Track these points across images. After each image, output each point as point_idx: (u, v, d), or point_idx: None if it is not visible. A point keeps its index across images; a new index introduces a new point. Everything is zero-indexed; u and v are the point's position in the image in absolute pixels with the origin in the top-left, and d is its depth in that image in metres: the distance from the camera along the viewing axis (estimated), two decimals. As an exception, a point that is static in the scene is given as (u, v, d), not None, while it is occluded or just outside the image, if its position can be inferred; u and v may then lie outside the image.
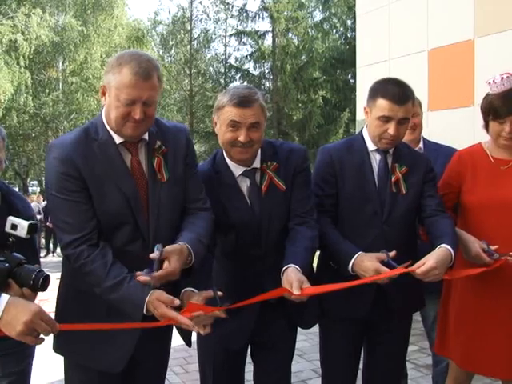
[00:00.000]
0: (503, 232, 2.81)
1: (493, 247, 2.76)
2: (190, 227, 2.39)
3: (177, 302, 2.15)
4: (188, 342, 2.43)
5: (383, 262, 2.56)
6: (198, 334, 2.75)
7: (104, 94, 2.28)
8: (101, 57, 26.96)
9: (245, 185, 2.66)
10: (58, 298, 2.46)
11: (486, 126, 2.91)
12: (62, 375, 2.48)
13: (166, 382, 4.62)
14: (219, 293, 2.25)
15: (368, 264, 2.57)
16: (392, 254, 2.59)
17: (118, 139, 2.31)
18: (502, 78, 2.80)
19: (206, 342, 2.74)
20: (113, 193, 2.26)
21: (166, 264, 2.16)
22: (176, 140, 2.45)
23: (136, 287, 2.16)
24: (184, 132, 2.52)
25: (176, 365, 5.00)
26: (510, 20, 6.02)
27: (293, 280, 2.33)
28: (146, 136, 2.36)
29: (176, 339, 2.53)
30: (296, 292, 2.30)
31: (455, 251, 2.59)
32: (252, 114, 2.52)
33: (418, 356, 5.39)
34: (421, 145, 3.64)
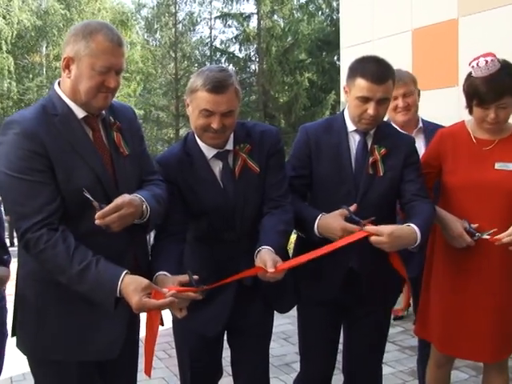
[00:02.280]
0: (483, 213, 2.78)
1: (474, 225, 2.74)
2: (146, 189, 2.34)
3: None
4: (160, 321, 2.39)
5: (347, 219, 2.53)
6: (175, 321, 2.75)
7: (68, 66, 2.17)
8: (84, 40, 26.71)
9: (217, 167, 2.60)
10: (26, 299, 2.27)
11: (470, 110, 2.85)
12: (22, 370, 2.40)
13: (149, 367, 4.65)
14: (195, 276, 2.20)
15: (334, 224, 2.52)
16: (353, 207, 2.57)
17: (79, 114, 2.21)
18: (487, 62, 2.71)
19: (182, 328, 2.72)
20: (81, 169, 2.15)
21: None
22: (126, 116, 2.40)
23: (105, 271, 2.07)
24: (131, 109, 2.50)
25: (159, 350, 4.99)
26: (493, -1, 5.99)
27: (267, 259, 2.30)
28: (103, 111, 2.30)
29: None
30: (271, 269, 2.26)
31: (423, 233, 2.53)
32: (226, 101, 2.44)
33: (403, 337, 5.39)
34: (420, 124, 3.54)
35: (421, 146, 3.38)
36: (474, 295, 2.84)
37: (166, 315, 2.43)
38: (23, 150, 2.07)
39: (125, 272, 2.08)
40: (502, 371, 2.99)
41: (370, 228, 2.45)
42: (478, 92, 2.74)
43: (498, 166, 2.81)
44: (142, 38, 31.77)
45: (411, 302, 4.78)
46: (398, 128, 3.44)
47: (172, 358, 4.58)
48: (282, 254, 2.42)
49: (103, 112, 2.28)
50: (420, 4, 6.87)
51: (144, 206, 2.18)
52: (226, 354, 2.85)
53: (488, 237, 2.70)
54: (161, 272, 2.29)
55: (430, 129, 3.40)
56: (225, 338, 2.84)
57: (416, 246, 2.51)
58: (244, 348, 2.78)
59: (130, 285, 2.05)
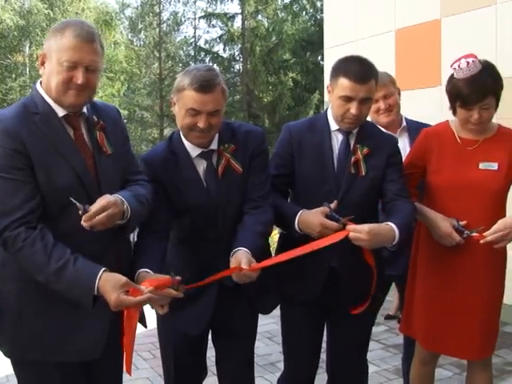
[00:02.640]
0: (467, 212, 2.80)
1: (462, 223, 2.76)
2: (129, 189, 2.32)
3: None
4: (143, 323, 2.39)
5: (327, 216, 2.54)
6: (159, 321, 2.74)
7: (43, 62, 2.20)
8: (68, 41, 26.54)
9: (201, 167, 2.61)
10: (6, 298, 2.24)
11: (454, 111, 2.88)
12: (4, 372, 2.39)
13: (134, 367, 4.64)
14: (177, 277, 2.21)
15: (313, 220, 2.54)
16: (333, 205, 2.58)
17: (60, 112, 2.21)
18: (468, 63, 2.73)
19: (166, 328, 2.73)
20: (62, 168, 2.14)
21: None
22: (110, 116, 2.39)
23: (83, 269, 2.06)
24: (115, 109, 2.49)
25: (144, 350, 4.98)
26: (474, 0, 6.02)
27: (242, 258, 2.31)
28: (85, 110, 2.29)
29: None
30: (245, 266, 2.28)
31: (402, 232, 2.54)
32: (213, 101, 2.45)
33: (388, 336, 5.42)
34: (404, 123, 3.57)
35: (405, 145, 3.42)
36: (459, 293, 2.86)
37: (151, 315, 2.43)
38: (3, 148, 2.07)
39: (102, 269, 2.07)
40: (486, 368, 3.02)
41: (349, 226, 2.46)
42: (461, 94, 2.76)
43: (482, 165, 2.84)
44: (126, 38, 31.61)
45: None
46: (382, 129, 3.49)
47: (157, 359, 4.57)
48: (259, 255, 2.42)
49: (85, 111, 2.27)
50: (403, 5, 6.90)
51: (125, 207, 2.17)
52: (211, 353, 2.86)
53: (477, 234, 2.71)
54: (143, 269, 2.29)
55: (414, 127, 3.43)
56: (210, 337, 2.84)
57: (394, 245, 2.52)
58: (228, 348, 2.78)
59: (108, 282, 2.04)
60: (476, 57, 2.77)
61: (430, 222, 2.83)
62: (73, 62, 2.12)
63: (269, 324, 5.28)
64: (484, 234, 2.69)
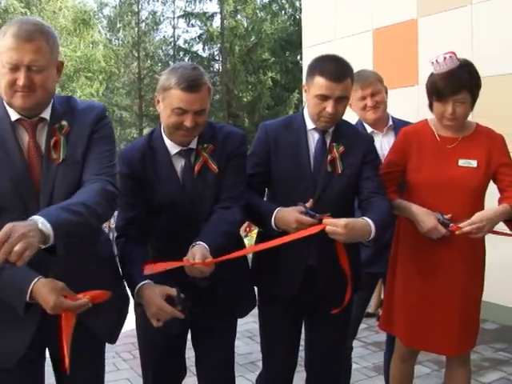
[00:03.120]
0: (448, 209, 2.80)
1: (447, 216, 2.77)
2: (66, 201, 2.10)
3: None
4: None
5: (303, 214, 2.54)
6: (137, 321, 2.75)
7: None
8: (46, 40, 26.33)
9: (179, 164, 2.61)
10: None
11: (431, 106, 2.91)
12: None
13: (114, 368, 4.64)
14: (182, 295, 2.24)
15: (289, 217, 2.54)
16: (309, 204, 2.59)
17: (13, 116, 2.14)
18: (445, 58, 2.78)
19: (145, 328, 2.70)
20: (0, 172, 2.07)
21: None
22: (83, 119, 2.28)
23: (19, 272, 1.96)
24: (95, 110, 2.33)
25: (124, 351, 4.96)
26: (450, 0, 6.08)
27: (196, 253, 2.29)
28: (47, 115, 2.20)
29: (125, 325, 2.48)
30: (197, 260, 2.26)
31: (378, 228, 2.53)
32: (199, 100, 2.45)
33: (367, 334, 5.46)
34: (390, 122, 3.60)
35: (391, 144, 3.45)
36: (439, 290, 2.89)
37: (129, 316, 2.43)
38: None
39: (39, 277, 1.98)
40: (465, 364, 3.05)
41: (326, 220, 2.47)
42: (437, 87, 2.82)
43: (461, 162, 2.87)
44: (105, 37, 31.45)
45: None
46: (369, 126, 3.57)
47: (137, 359, 4.51)
48: (219, 252, 2.40)
49: (45, 116, 2.20)
50: (380, 4, 6.94)
51: (39, 226, 1.81)
52: (192, 353, 2.86)
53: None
54: (144, 282, 2.31)
55: (400, 126, 3.45)
56: (190, 337, 2.84)
57: (370, 240, 2.54)
58: (207, 348, 2.78)
59: (45, 286, 1.96)
60: (454, 53, 2.80)
61: (414, 216, 2.84)
62: (12, 63, 2.05)
63: (249, 323, 5.27)
64: (460, 225, 2.71)
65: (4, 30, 2.08)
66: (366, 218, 2.55)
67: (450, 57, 2.78)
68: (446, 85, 2.78)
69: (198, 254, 2.28)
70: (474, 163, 2.86)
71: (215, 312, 2.69)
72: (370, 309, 5.92)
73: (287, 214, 2.56)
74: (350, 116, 3.66)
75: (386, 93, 3.62)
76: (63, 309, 1.97)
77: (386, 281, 3.47)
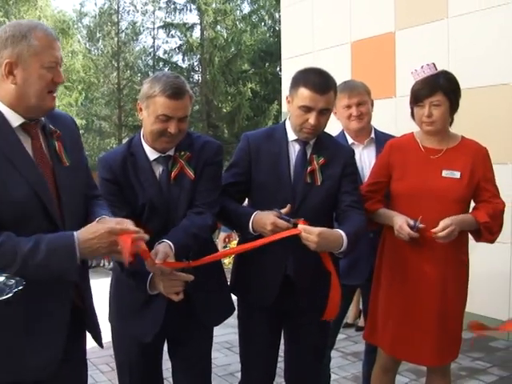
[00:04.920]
0: (429, 219, 2.81)
1: (420, 225, 2.79)
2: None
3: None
4: (99, 343, 2.35)
5: (279, 218, 2.57)
6: (113, 333, 2.75)
7: (11, 72, 2.02)
8: (24, 49, 26.19)
9: (157, 170, 2.66)
10: None
11: (412, 114, 2.98)
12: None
13: (92, 380, 4.60)
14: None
15: (265, 219, 2.58)
16: (285, 209, 2.62)
17: (14, 121, 2.08)
18: (423, 67, 2.90)
19: (120, 340, 2.72)
20: (15, 180, 2.01)
21: None
22: (66, 124, 2.31)
23: (57, 236, 1.98)
24: (70, 118, 2.42)
25: (102, 363, 4.93)
26: (428, 14, 6.16)
27: (160, 251, 2.32)
28: (42, 118, 2.19)
29: (102, 337, 2.44)
30: (158, 260, 2.28)
31: (350, 241, 2.56)
32: (183, 107, 2.53)
33: (346, 344, 5.48)
34: (372, 135, 3.63)
35: (372, 156, 3.49)
36: (422, 300, 2.91)
37: (106, 328, 2.42)
38: None
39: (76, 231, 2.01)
40: (445, 375, 3.07)
41: (302, 226, 2.49)
42: (414, 91, 2.93)
43: (445, 173, 2.91)
44: (84, 47, 31.31)
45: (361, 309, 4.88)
46: (350, 137, 3.61)
47: (114, 371, 4.49)
48: (184, 253, 2.45)
49: (42, 119, 2.18)
50: (359, 17, 7.01)
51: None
52: (169, 364, 2.85)
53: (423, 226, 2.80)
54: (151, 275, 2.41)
55: (382, 139, 3.50)
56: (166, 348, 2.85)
57: (341, 252, 2.56)
58: (184, 358, 2.79)
59: (90, 227, 2.01)
60: (434, 64, 2.92)
61: (389, 219, 2.91)
62: (54, 61, 2.07)
63: (228, 334, 5.28)
64: (433, 230, 2.76)
65: (22, 31, 2.04)
66: (340, 230, 2.57)
67: (428, 65, 2.90)
68: (421, 87, 2.89)
69: (161, 252, 2.32)
70: (457, 174, 2.90)
71: (190, 322, 2.70)
72: (349, 319, 5.95)
73: (264, 217, 2.60)
74: (334, 124, 3.71)
75: (372, 106, 3.66)
76: (121, 231, 2.00)
77: (363, 291, 3.50)
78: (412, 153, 3.01)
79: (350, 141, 3.60)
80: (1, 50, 2.04)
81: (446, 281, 2.91)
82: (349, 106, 3.54)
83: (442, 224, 2.75)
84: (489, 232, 2.90)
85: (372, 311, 3.15)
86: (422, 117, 2.89)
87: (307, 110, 2.70)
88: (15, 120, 2.09)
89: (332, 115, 3.65)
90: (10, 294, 1.63)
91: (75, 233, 1.98)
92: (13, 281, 1.72)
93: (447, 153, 2.95)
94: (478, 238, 2.98)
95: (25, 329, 2.06)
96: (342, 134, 3.67)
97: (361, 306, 5.04)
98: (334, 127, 3.74)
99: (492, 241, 2.97)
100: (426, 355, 2.96)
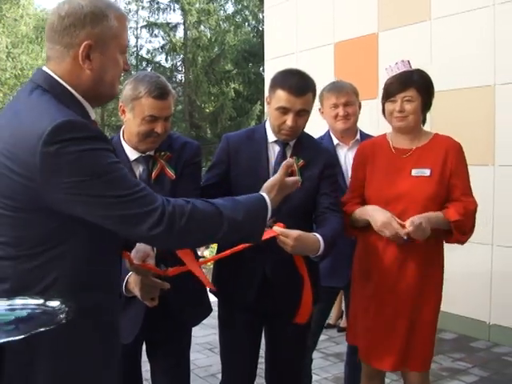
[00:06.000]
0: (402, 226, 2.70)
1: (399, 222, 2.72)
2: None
3: None
4: None
5: None
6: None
7: (88, 55, 1.73)
8: (6, 47, 26.04)
9: (137, 170, 2.66)
10: None
11: (383, 110, 2.92)
12: None
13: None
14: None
15: None
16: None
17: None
18: (397, 63, 2.86)
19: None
20: None
21: None
22: None
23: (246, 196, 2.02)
24: None
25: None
26: (410, 15, 6.18)
27: (138, 249, 2.33)
28: None
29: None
30: (136, 261, 2.28)
31: (327, 245, 2.52)
32: (168, 106, 2.55)
33: (328, 345, 5.46)
34: (358, 136, 3.62)
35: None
36: (392, 305, 2.84)
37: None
38: None
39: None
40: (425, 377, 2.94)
41: (279, 229, 2.47)
42: (386, 85, 2.88)
43: (414, 172, 2.83)
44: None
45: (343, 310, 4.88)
46: (335, 138, 3.60)
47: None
48: (165, 253, 2.44)
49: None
50: (342, 18, 7.01)
51: None
52: (148, 366, 2.84)
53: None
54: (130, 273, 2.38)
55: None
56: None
57: (318, 256, 2.53)
58: (162, 359, 2.79)
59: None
60: (409, 61, 2.88)
61: (368, 214, 2.81)
62: (127, 46, 1.91)
63: (209, 335, 5.28)
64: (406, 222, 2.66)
65: (102, 8, 1.76)
66: (317, 234, 2.55)
67: (402, 61, 2.86)
68: (393, 82, 2.83)
69: (140, 251, 2.31)
70: (426, 172, 2.82)
71: (168, 324, 2.68)
72: (331, 320, 5.94)
73: None
74: (321, 124, 3.71)
75: (360, 107, 3.66)
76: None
77: (345, 293, 3.48)
78: (382, 154, 2.94)
79: (336, 142, 3.60)
80: (76, 28, 1.71)
81: (420, 284, 2.82)
82: (336, 106, 3.53)
83: (408, 221, 2.65)
84: (460, 232, 2.77)
85: (352, 315, 3.11)
86: (394, 112, 2.83)
87: (285, 111, 2.69)
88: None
89: (319, 115, 3.69)
90: (63, 321, 1.52)
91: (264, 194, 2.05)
92: (64, 307, 1.61)
93: (417, 151, 2.88)
94: (449, 239, 2.86)
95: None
96: (328, 134, 3.66)
97: (343, 307, 5.05)
98: (320, 127, 3.76)
99: (463, 242, 2.85)
100: (391, 360, 2.86)
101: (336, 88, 3.58)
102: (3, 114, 1.76)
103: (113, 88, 1.85)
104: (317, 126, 2.86)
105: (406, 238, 2.67)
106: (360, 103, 3.67)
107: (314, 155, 2.83)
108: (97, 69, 1.75)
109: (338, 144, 3.59)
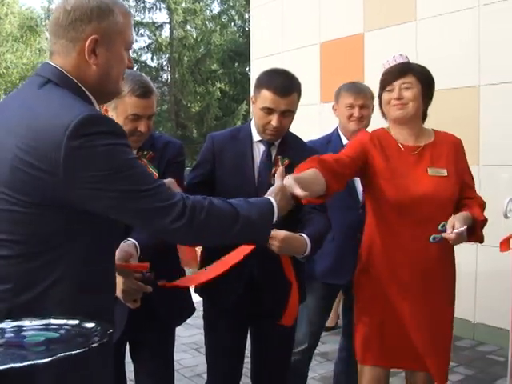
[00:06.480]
0: (427, 226, 2.59)
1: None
2: None
3: None
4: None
5: None
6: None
7: (94, 50, 1.71)
8: (-10, 46, 25.86)
9: None
10: None
11: (380, 104, 2.81)
12: None
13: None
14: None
15: None
16: None
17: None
18: (394, 56, 2.77)
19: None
20: None
21: None
22: None
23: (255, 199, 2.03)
24: None
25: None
26: (396, 16, 6.20)
27: (122, 250, 2.31)
28: None
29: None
30: (118, 262, 2.25)
31: (314, 246, 2.50)
32: (152, 105, 2.54)
33: (314, 344, 5.47)
34: None
35: None
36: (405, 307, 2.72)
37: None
38: None
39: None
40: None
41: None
42: (382, 76, 2.77)
43: (430, 171, 2.69)
44: (52, 45, 30.98)
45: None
46: (345, 138, 3.59)
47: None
48: (149, 252, 2.43)
49: None
50: (328, 18, 7.03)
51: None
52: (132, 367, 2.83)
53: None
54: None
55: None
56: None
57: (305, 257, 2.53)
58: (145, 360, 2.78)
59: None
60: (407, 56, 2.81)
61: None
62: (132, 42, 1.89)
63: (196, 335, 5.26)
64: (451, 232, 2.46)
65: (108, 2, 1.75)
66: (304, 235, 2.53)
67: (401, 55, 2.78)
68: (391, 71, 2.73)
69: (122, 251, 2.31)
70: (444, 172, 2.69)
71: (151, 324, 2.67)
72: (329, 322, 5.87)
73: None
74: (333, 120, 3.71)
75: (373, 111, 3.64)
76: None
77: (346, 291, 3.44)
78: (392, 150, 2.75)
79: (345, 141, 3.58)
80: (83, 23, 1.69)
81: (432, 284, 2.70)
82: (352, 106, 3.52)
83: (450, 223, 2.48)
84: (481, 230, 2.67)
85: (360, 333, 2.87)
86: (391, 100, 2.69)
87: (269, 111, 2.68)
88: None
89: (332, 111, 3.70)
90: (95, 344, 1.46)
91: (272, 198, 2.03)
92: (99, 328, 1.55)
93: (426, 149, 2.74)
94: (470, 238, 2.64)
95: None
96: (337, 132, 3.65)
97: (339, 311, 5.05)
98: (331, 123, 3.79)
99: (482, 239, 2.71)
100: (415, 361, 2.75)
101: (355, 89, 3.57)
102: (5, 109, 1.73)
103: (117, 85, 1.84)
104: (329, 121, 2.79)
105: (436, 238, 2.55)
106: (373, 107, 3.65)
107: (299, 155, 2.81)
108: (102, 64, 1.73)
109: (347, 144, 3.58)
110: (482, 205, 2.74)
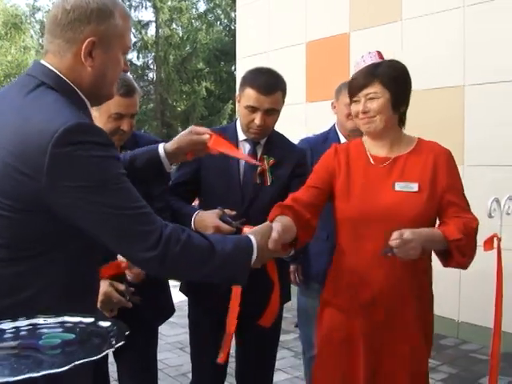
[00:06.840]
0: (383, 244, 2.19)
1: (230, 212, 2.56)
2: None
3: None
4: None
5: (221, 219, 2.52)
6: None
7: (90, 53, 1.66)
8: (-26, 44, 25.65)
9: None
10: None
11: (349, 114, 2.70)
12: None
13: None
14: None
15: (208, 221, 2.54)
16: (228, 211, 2.56)
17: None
18: (363, 56, 2.46)
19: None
20: None
21: None
22: None
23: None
24: None
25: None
26: (382, 15, 6.23)
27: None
28: None
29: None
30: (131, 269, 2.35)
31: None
32: (135, 104, 2.54)
33: (298, 343, 5.45)
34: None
35: None
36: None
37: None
38: None
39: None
40: None
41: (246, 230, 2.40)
42: (348, 84, 2.51)
43: (398, 186, 2.40)
44: (37, 43, 30.74)
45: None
46: (343, 137, 3.56)
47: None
48: None
49: None
50: (314, 18, 7.05)
51: None
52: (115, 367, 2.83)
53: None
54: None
55: None
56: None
57: (290, 256, 2.52)
58: (128, 360, 2.77)
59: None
60: (380, 52, 2.49)
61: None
62: (130, 46, 1.85)
63: (180, 334, 5.25)
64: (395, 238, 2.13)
65: (108, 5, 1.71)
66: None
67: (369, 53, 2.46)
68: (356, 78, 2.44)
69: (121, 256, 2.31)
70: (414, 186, 2.37)
71: (133, 325, 2.65)
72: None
73: (206, 218, 2.57)
74: (318, 120, 3.69)
75: None
76: None
77: None
78: (358, 162, 2.51)
79: (343, 139, 3.57)
80: (81, 23, 1.65)
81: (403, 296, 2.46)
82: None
83: (395, 233, 2.14)
84: (460, 253, 2.27)
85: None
86: (359, 114, 2.42)
87: (253, 110, 2.69)
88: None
89: (330, 109, 3.69)
90: (112, 349, 1.42)
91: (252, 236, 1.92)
92: (115, 328, 1.51)
93: (399, 161, 2.45)
94: (447, 262, 2.36)
95: None
96: (334, 129, 3.63)
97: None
98: (328, 120, 3.80)
99: (465, 265, 2.35)
100: None
101: None
102: None
103: (111, 88, 1.80)
104: (326, 118, 2.78)
105: (386, 250, 2.16)
106: None
107: (285, 154, 2.82)
108: (98, 67, 1.69)
109: (344, 142, 3.57)
110: (466, 225, 2.30)
